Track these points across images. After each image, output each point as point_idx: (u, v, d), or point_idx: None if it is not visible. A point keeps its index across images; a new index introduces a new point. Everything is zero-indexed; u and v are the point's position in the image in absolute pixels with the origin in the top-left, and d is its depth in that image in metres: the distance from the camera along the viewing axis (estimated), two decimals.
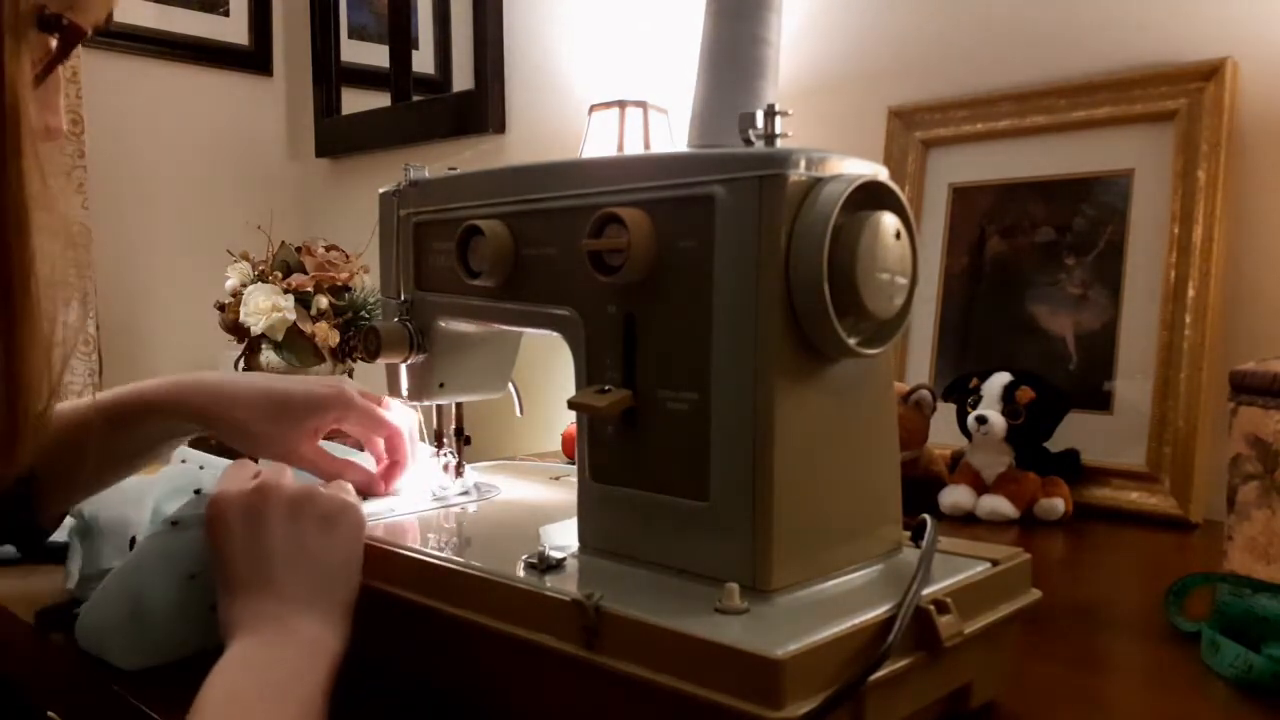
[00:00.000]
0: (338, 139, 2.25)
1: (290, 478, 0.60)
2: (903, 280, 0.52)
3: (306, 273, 1.70)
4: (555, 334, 0.60)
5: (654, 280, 0.53)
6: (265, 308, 1.63)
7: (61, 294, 0.41)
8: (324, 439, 0.73)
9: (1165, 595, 0.69)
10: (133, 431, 0.69)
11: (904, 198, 0.53)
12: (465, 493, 0.73)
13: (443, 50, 2.10)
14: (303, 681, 0.49)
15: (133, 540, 0.69)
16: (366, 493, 0.71)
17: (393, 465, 0.74)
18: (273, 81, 2.36)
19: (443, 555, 0.57)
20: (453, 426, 0.74)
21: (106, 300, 2.02)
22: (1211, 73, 1.05)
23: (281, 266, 1.71)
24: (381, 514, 0.66)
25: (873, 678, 0.43)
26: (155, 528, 0.65)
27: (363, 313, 1.72)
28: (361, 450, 0.76)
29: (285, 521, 0.56)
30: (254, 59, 2.32)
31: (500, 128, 1.86)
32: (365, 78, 2.22)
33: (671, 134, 1.47)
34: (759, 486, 0.49)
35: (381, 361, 0.70)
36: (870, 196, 0.51)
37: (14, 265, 0.39)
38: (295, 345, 1.67)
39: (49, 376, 0.41)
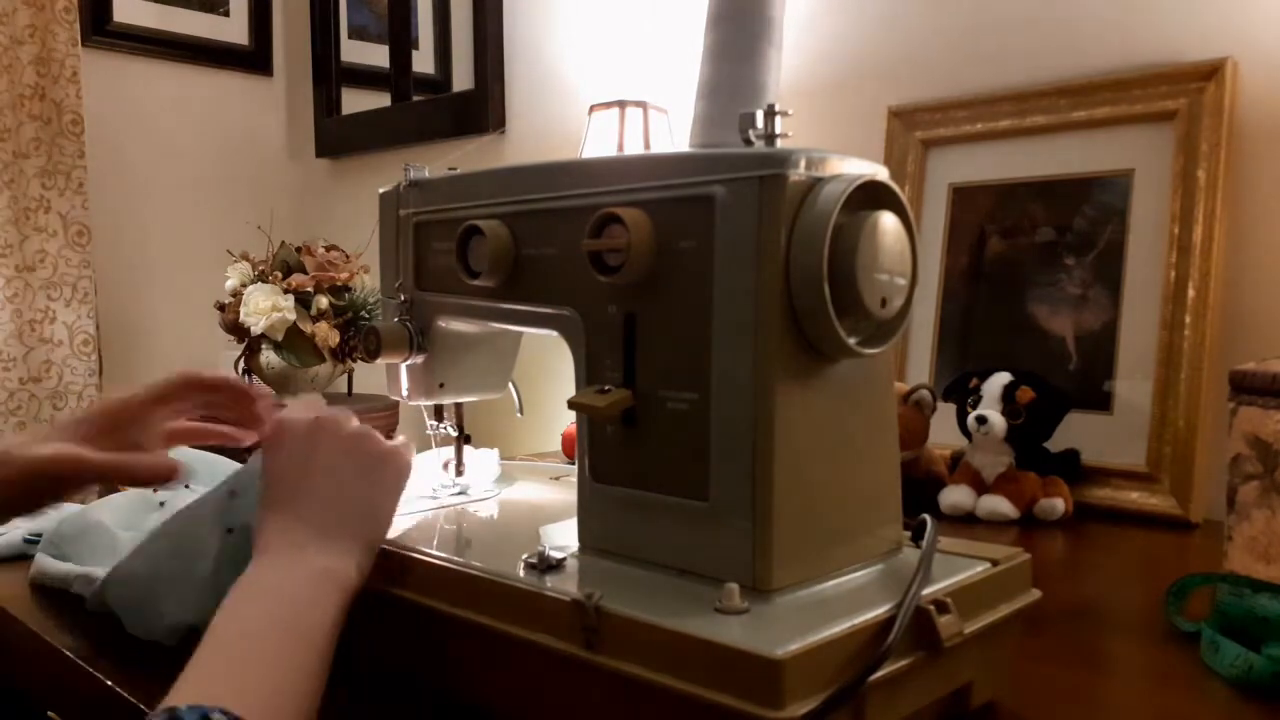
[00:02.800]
0: (338, 139, 2.25)
1: (354, 420, 0.61)
2: (903, 280, 0.52)
3: (306, 273, 1.70)
4: (555, 334, 0.60)
5: (654, 280, 0.53)
6: (265, 308, 1.63)
7: None
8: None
9: (1165, 595, 0.69)
10: None
11: (904, 198, 0.53)
12: (463, 492, 0.73)
13: (443, 50, 2.10)
14: (311, 611, 0.51)
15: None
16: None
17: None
18: (273, 81, 2.36)
19: (443, 555, 0.57)
20: (453, 427, 0.74)
21: (106, 300, 2.02)
22: (1211, 73, 1.05)
23: (281, 266, 1.71)
24: None
25: (873, 678, 0.43)
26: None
27: (363, 313, 1.72)
28: None
29: (333, 453, 0.58)
30: (254, 59, 2.32)
31: (500, 128, 1.86)
32: (365, 78, 2.22)
33: (671, 134, 1.47)
34: (759, 486, 0.49)
35: (381, 361, 0.70)
36: (870, 196, 0.51)
37: None
38: (295, 345, 1.67)
39: None
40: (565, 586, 0.50)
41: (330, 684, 0.58)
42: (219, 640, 0.47)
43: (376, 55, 2.17)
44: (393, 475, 0.60)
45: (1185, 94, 1.07)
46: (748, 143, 0.53)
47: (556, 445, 1.38)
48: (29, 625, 0.68)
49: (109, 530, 0.76)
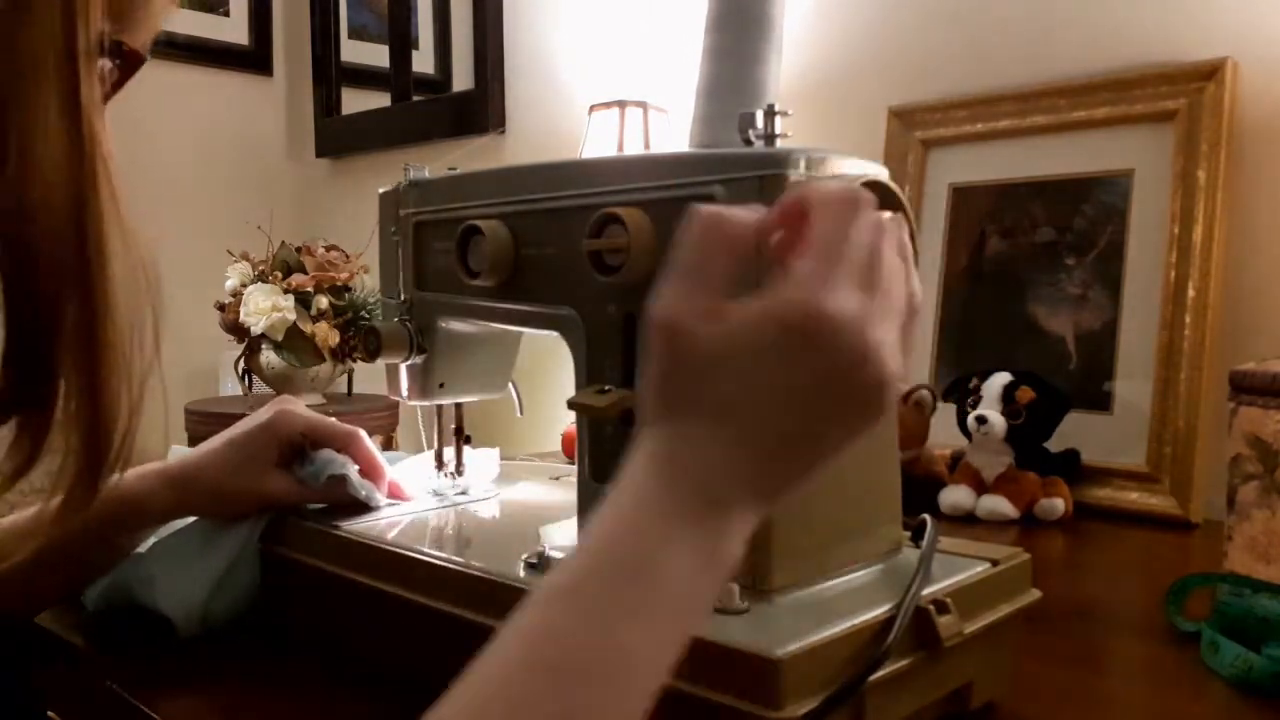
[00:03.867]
0: (338, 139, 2.25)
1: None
2: None
3: (306, 273, 1.70)
4: (555, 334, 0.60)
5: (654, 280, 0.53)
6: (265, 308, 1.63)
7: (138, 317, 0.42)
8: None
9: (1165, 595, 0.69)
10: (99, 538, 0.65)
11: (904, 198, 0.52)
12: (463, 492, 0.73)
13: (443, 50, 2.11)
14: (698, 596, 0.36)
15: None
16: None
17: (371, 471, 0.70)
18: (273, 81, 2.37)
19: (443, 555, 0.57)
20: (453, 426, 0.74)
21: None
22: (1211, 73, 1.05)
23: (281, 266, 1.71)
24: (382, 515, 0.66)
25: (873, 678, 0.43)
26: None
27: (363, 313, 1.72)
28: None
29: (803, 341, 0.36)
30: (254, 59, 2.33)
31: (500, 128, 1.86)
32: (365, 78, 2.22)
33: (671, 134, 1.47)
34: None
35: (381, 361, 0.70)
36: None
37: (96, 292, 0.40)
38: (295, 345, 1.67)
39: (129, 405, 0.42)
40: None
41: (327, 684, 0.58)
42: (508, 645, 0.34)
43: (376, 55, 2.17)
44: (866, 406, 0.38)
45: (1185, 94, 1.07)
46: (748, 143, 0.53)
47: (556, 445, 1.38)
48: (30, 625, 0.68)
49: None
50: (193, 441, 1.65)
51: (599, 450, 0.57)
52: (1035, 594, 0.56)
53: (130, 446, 0.42)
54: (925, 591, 0.48)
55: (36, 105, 0.39)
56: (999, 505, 1.01)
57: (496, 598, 0.52)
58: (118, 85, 0.44)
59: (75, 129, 0.39)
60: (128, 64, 0.44)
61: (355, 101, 2.25)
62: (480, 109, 1.87)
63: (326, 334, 1.66)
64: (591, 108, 1.48)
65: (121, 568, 0.66)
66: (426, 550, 0.58)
